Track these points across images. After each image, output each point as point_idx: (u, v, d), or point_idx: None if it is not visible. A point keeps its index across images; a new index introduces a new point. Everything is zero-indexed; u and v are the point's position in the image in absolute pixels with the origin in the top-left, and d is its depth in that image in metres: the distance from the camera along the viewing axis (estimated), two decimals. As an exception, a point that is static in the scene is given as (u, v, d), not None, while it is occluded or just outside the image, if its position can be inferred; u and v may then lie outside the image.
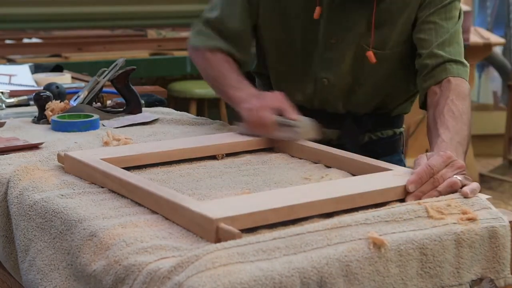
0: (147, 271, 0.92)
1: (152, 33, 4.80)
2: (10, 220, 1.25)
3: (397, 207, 1.09)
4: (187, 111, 2.86)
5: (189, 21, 6.52)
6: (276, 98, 1.50)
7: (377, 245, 0.99)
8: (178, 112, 1.90)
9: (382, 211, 1.07)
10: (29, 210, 1.18)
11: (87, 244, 1.04)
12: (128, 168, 1.29)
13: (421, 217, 1.07)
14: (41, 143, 1.52)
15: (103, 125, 1.73)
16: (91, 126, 1.69)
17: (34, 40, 4.43)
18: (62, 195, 1.19)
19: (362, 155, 1.37)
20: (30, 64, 2.54)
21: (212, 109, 5.15)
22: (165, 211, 1.09)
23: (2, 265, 1.34)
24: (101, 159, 1.30)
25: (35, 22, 5.12)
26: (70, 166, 1.32)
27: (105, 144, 1.51)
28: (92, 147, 1.49)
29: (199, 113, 4.06)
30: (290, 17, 1.69)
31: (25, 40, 4.39)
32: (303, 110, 1.53)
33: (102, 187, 1.23)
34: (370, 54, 1.64)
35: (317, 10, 1.64)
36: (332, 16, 1.65)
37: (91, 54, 4.22)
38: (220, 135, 1.55)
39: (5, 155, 1.45)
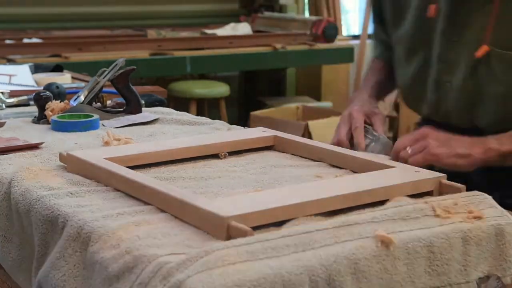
0: (157, 263, 0.92)
1: (152, 33, 4.80)
2: (11, 219, 1.25)
3: (404, 206, 1.09)
4: (187, 111, 2.86)
5: (189, 21, 6.50)
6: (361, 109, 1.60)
7: (385, 243, 0.99)
8: (178, 112, 1.90)
9: (389, 209, 1.08)
10: (36, 206, 1.18)
11: (102, 239, 1.03)
12: (131, 168, 1.29)
13: (428, 216, 1.08)
14: (41, 143, 1.52)
15: (103, 125, 1.73)
16: (91, 126, 1.69)
17: (34, 40, 4.43)
18: (72, 194, 1.20)
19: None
20: (30, 64, 2.53)
21: (212, 109, 5.16)
22: (175, 210, 1.09)
23: (1, 265, 1.34)
24: (105, 158, 1.30)
25: (35, 22, 5.12)
26: (73, 166, 1.32)
27: (105, 144, 1.51)
28: (92, 147, 1.49)
29: (199, 113, 4.06)
30: (405, 17, 1.62)
31: (25, 40, 4.39)
32: (429, 123, 1.45)
33: (107, 187, 1.24)
34: (483, 48, 1.48)
35: (432, 8, 1.54)
36: (450, 11, 1.52)
37: (91, 54, 4.22)
38: (222, 133, 1.56)
39: (5, 155, 1.44)
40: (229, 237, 0.98)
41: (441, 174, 1.22)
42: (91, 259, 1.02)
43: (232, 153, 1.46)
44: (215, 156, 1.44)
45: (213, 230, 1.01)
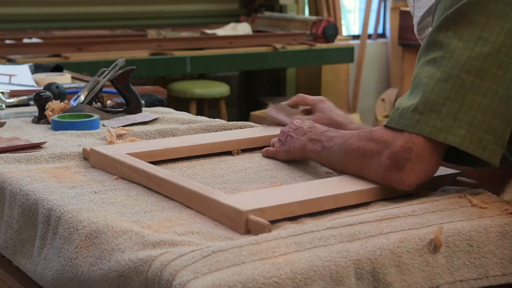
0: (206, 254, 0.93)
1: (152, 33, 4.80)
2: (32, 219, 1.22)
3: (440, 200, 1.12)
4: (187, 111, 2.87)
5: (189, 21, 6.49)
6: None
7: (434, 243, 1.02)
8: (178, 112, 1.90)
9: (427, 203, 1.11)
10: (60, 205, 1.17)
11: (134, 237, 1.03)
12: (152, 163, 1.32)
13: (466, 207, 1.11)
14: (44, 143, 1.52)
15: (103, 125, 1.73)
16: (91, 126, 1.69)
17: (34, 40, 4.43)
18: (95, 192, 1.22)
19: None
20: (30, 64, 2.54)
21: (212, 109, 5.16)
22: (197, 205, 1.12)
23: (2, 265, 1.34)
24: (126, 153, 1.34)
25: (35, 22, 5.12)
26: (96, 161, 1.37)
27: (109, 143, 1.52)
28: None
29: (199, 113, 4.06)
30: None
31: (25, 40, 4.38)
32: None
33: (128, 184, 1.26)
34: None
35: None
36: None
37: (91, 54, 4.22)
38: (237, 131, 1.59)
39: (8, 154, 1.44)
40: (248, 231, 1.01)
41: (456, 171, 1.24)
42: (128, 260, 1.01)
43: (245, 150, 1.49)
44: (228, 152, 1.47)
45: (233, 224, 1.03)
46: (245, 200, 1.06)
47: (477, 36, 1.10)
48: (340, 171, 1.24)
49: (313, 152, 1.28)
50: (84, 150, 1.42)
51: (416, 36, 1.46)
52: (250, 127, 1.64)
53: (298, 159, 1.37)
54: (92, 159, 1.39)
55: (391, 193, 1.15)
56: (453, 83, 1.09)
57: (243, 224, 1.02)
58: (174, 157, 1.41)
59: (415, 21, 1.45)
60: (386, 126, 1.13)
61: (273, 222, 1.03)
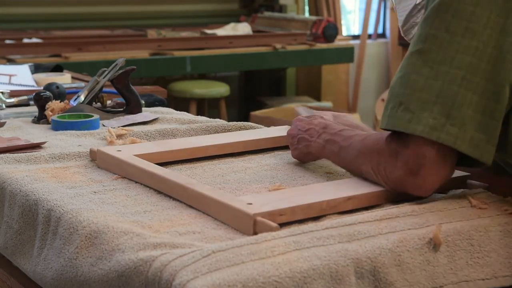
0: (206, 253, 0.93)
1: (152, 33, 4.79)
2: (32, 220, 1.22)
3: (440, 200, 1.12)
4: (187, 111, 2.87)
5: (189, 21, 6.47)
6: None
7: (434, 242, 1.02)
8: (178, 112, 1.90)
9: (427, 203, 1.11)
10: (59, 205, 1.17)
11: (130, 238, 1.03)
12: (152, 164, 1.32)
13: (465, 207, 1.11)
14: (44, 143, 1.52)
15: (103, 125, 1.73)
16: (91, 126, 1.69)
17: (34, 40, 4.42)
18: (95, 192, 1.22)
19: None
20: (30, 64, 2.53)
21: (212, 109, 5.16)
22: (204, 207, 1.12)
23: (2, 265, 1.34)
24: (134, 155, 1.34)
25: (35, 22, 5.12)
26: (102, 162, 1.37)
27: (110, 143, 1.52)
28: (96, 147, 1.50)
29: (199, 113, 4.06)
30: None
31: (25, 40, 4.38)
32: None
33: (128, 184, 1.26)
34: None
35: None
36: None
37: (91, 54, 4.21)
38: (237, 133, 1.59)
39: (7, 154, 1.44)
40: (255, 233, 1.01)
41: (466, 173, 1.24)
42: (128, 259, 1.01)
43: (248, 151, 1.48)
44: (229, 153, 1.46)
45: (240, 226, 1.04)
46: (254, 202, 1.07)
47: (464, 28, 1.07)
48: (353, 173, 1.22)
49: (332, 153, 1.26)
50: (91, 151, 1.41)
51: (405, 38, 1.45)
52: (250, 127, 1.64)
53: (312, 160, 1.36)
54: (99, 161, 1.38)
55: (398, 197, 1.14)
56: (443, 79, 1.06)
57: (251, 226, 1.02)
58: (181, 158, 1.41)
59: (400, 24, 1.44)
60: (384, 129, 1.12)
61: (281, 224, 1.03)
